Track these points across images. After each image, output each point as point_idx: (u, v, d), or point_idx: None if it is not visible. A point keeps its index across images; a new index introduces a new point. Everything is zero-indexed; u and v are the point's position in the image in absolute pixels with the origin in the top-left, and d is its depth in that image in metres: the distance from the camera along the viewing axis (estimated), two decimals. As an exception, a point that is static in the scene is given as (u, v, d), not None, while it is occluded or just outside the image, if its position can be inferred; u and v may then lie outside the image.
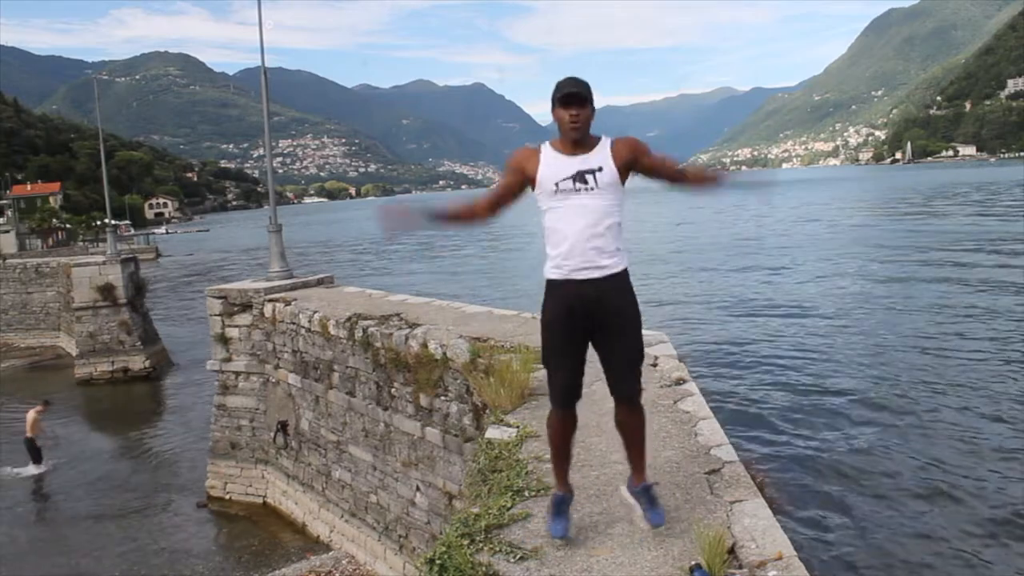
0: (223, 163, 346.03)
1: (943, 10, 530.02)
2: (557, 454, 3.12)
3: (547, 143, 2.95)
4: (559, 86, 2.86)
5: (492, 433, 4.56)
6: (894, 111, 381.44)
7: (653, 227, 54.21)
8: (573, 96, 2.82)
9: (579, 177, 2.83)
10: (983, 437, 11.21)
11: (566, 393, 3.02)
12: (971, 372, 14.36)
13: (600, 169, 2.85)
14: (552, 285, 2.97)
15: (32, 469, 14.13)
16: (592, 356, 3.08)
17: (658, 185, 3.10)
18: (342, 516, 9.77)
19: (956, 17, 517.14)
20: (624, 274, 2.95)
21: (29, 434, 14.34)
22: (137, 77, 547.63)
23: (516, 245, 49.30)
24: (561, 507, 3.07)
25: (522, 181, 2.98)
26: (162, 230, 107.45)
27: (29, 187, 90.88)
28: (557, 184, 2.85)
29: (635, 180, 3.05)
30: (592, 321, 2.92)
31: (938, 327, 18.25)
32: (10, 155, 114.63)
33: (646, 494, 3.04)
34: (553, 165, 2.87)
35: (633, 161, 2.93)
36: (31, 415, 14.51)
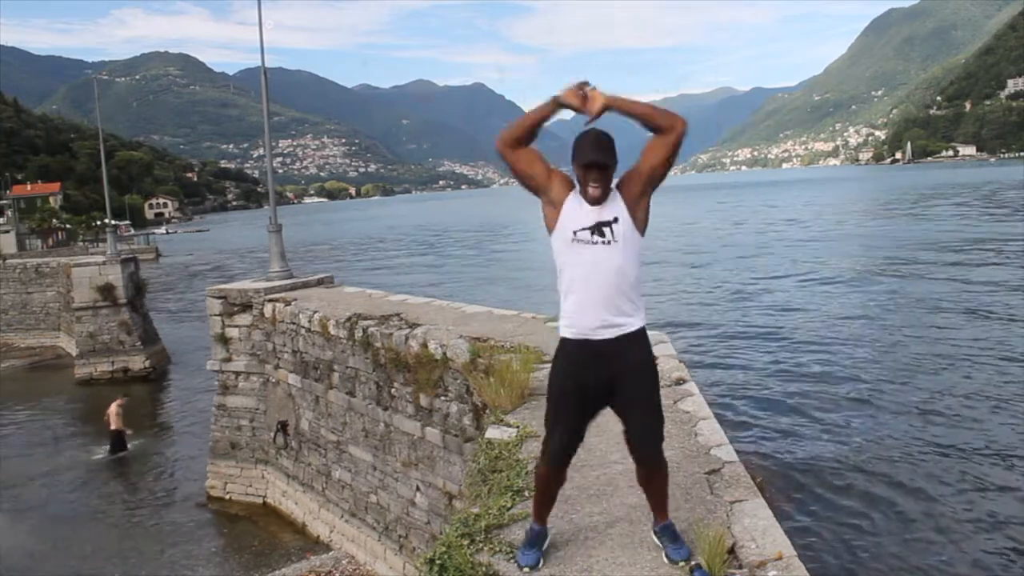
0: (223, 163, 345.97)
1: (943, 10, 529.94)
2: (540, 500, 3.06)
3: (577, 188, 2.86)
4: (579, 146, 2.73)
5: (492, 433, 4.56)
6: (894, 111, 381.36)
7: (651, 227, 54.16)
8: (596, 163, 2.72)
9: (597, 229, 2.77)
10: (985, 438, 11.21)
11: (562, 454, 2.94)
12: (973, 373, 14.36)
13: (616, 220, 2.78)
14: (565, 344, 2.88)
15: (114, 455, 14.82)
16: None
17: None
18: (342, 516, 9.77)
19: (956, 17, 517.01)
20: (641, 333, 2.85)
21: (114, 427, 14.83)
22: (137, 77, 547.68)
23: (516, 246, 49.31)
24: (537, 540, 3.01)
25: (542, 180, 2.88)
26: (162, 230, 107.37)
27: (29, 187, 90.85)
28: (575, 233, 2.78)
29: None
30: (606, 382, 2.83)
31: (940, 328, 18.25)
32: (10, 155, 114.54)
33: (667, 532, 2.98)
34: (574, 211, 2.80)
35: (635, 183, 2.83)
36: (113, 408, 14.94)
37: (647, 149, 2.86)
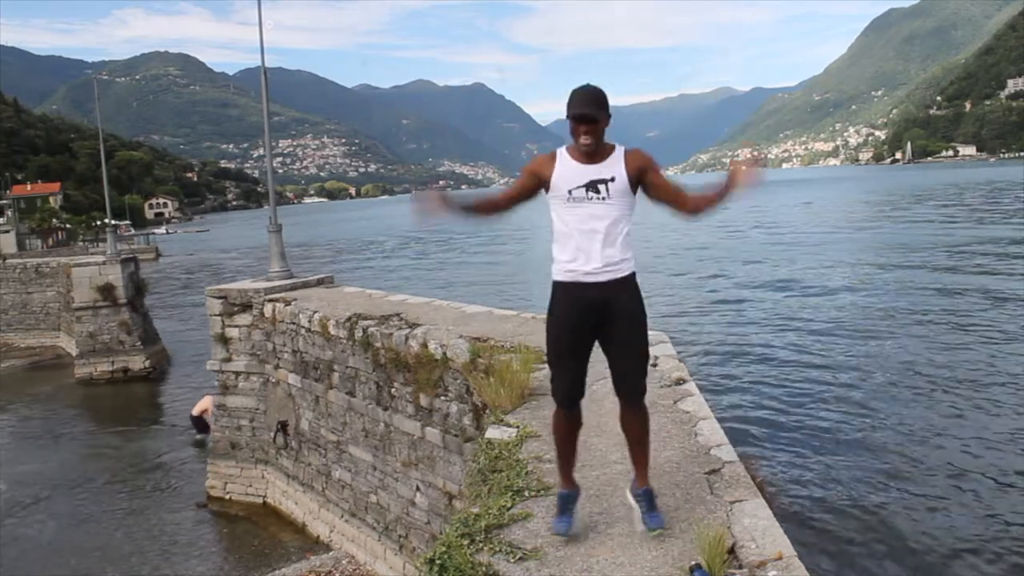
0: (223, 163, 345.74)
1: (943, 10, 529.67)
2: (562, 453, 3.17)
3: (563, 149, 3.02)
4: (572, 101, 2.89)
5: (492, 433, 4.56)
6: (894, 111, 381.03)
7: (652, 227, 54.25)
8: (584, 116, 2.87)
9: (592, 186, 2.91)
10: (984, 437, 11.21)
11: (570, 393, 3.07)
12: (974, 372, 14.36)
13: (612, 179, 2.92)
14: (559, 286, 3.02)
15: (199, 436, 15.06)
16: (595, 357, 3.10)
17: (659, 209, 3.11)
18: (342, 516, 9.77)
19: (956, 17, 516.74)
20: (631, 277, 3.00)
21: (195, 412, 15.05)
22: (137, 77, 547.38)
23: (516, 245, 49.31)
24: (567, 504, 3.10)
25: (536, 185, 3.06)
26: (162, 230, 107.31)
27: (29, 187, 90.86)
28: (570, 191, 2.93)
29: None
30: (598, 322, 2.97)
31: (941, 328, 18.26)
32: (10, 155, 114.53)
33: (647, 498, 3.08)
34: (568, 172, 2.94)
35: (642, 173, 2.98)
36: (209, 399, 15.02)
37: (670, 186, 3.05)
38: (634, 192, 2.99)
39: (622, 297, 2.96)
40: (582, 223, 2.92)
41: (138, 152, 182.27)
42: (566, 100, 2.92)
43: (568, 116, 2.90)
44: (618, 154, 2.97)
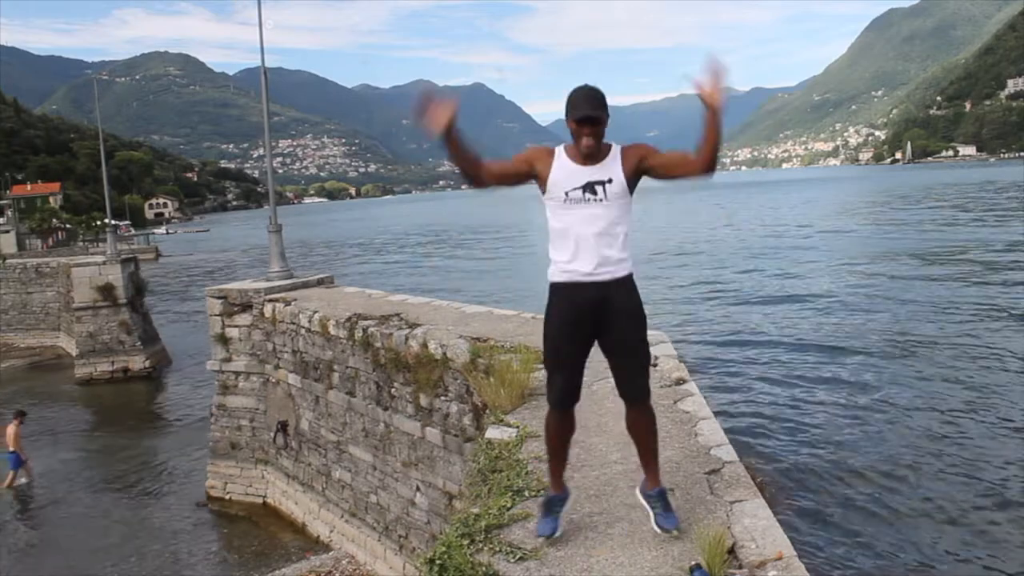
0: (223, 163, 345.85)
1: (943, 10, 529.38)
2: (554, 455, 3.16)
3: (562, 148, 2.99)
4: (573, 102, 2.86)
5: (492, 433, 4.56)
6: (894, 111, 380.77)
7: (653, 226, 54.25)
8: (590, 119, 2.84)
9: (589, 188, 2.89)
10: (987, 437, 11.21)
11: (565, 395, 3.05)
12: (975, 373, 14.35)
13: (610, 180, 2.90)
14: (556, 288, 3.00)
15: None
16: (595, 356, 3.09)
17: (671, 184, 3.06)
18: (342, 516, 9.78)
19: (956, 17, 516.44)
20: (629, 278, 2.98)
21: None
22: (137, 77, 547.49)
23: (517, 246, 49.31)
24: (553, 507, 3.10)
25: (527, 173, 3.02)
26: (162, 230, 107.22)
27: (29, 187, 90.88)
28: (567, 193, 2.90)
29: (643, 180, 3.05)
30: (596, 324, 2.96)
31: (943, 328, 18.23)
32: (10, 155, 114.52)
33: (660, 499, 3.06)
34: (565, 173, 2.92)
35: (640, 162, 2.95)
36: None
37: (671, 157, 2.98)
38: (631, 192, 2.96)
39: (620, 296, 2.94)
40: (579, 224, 2.90)
41: (138, 152, 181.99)
42: (566, 100, 2.89)
43: (570, 118, 2.85)
44: (615, 153, 2.94)
